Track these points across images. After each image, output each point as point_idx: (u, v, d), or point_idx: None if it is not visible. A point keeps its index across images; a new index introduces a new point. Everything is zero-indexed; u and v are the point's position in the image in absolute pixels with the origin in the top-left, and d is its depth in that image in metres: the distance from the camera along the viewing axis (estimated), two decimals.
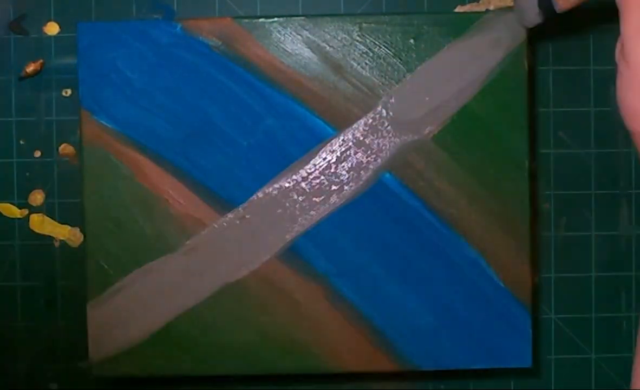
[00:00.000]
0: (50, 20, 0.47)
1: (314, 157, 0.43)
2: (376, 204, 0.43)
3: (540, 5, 0.36)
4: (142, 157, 0.43)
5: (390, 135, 0.43)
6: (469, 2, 0.46)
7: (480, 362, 0.43)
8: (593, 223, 0.47)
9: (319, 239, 0.43)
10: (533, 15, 0.37)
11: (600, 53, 0.47)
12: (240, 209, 0.43)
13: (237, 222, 0.43)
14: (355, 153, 0.43)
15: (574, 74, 0.47)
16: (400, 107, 0.43)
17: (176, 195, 0.43)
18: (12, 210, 0.47)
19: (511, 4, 0.45)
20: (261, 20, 0.43)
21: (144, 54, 0.43)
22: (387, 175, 0.43)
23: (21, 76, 0.46)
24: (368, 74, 0.43)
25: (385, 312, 0.43)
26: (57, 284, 0.47)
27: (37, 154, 0.47)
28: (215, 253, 0.43)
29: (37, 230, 0.47)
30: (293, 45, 0.43)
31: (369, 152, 0.43)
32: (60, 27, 0.47)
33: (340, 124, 0.43)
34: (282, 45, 0.43)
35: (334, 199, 0.43)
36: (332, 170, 0.43)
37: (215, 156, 0.43)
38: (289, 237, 0.43)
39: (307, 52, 0.43)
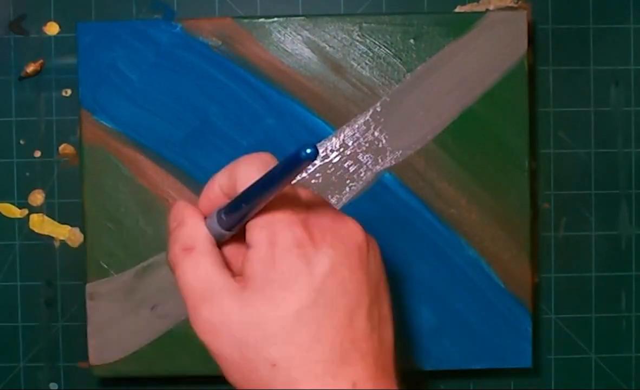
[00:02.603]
0: (50, 20, 0.46)
1: None
2: (376, 204, 0.43)
3: (220, 225, 0.33)
4: (142, 157, 0.43)
5: (391, 135, 0.43)
6: (469, 2, 0.46)
7: (480, 362, 0.43)
8: (593, 223, 0.47)
9: None
10: (219, 234, 0.33)
11: (600, 53, 0.47)
12: None
13: None
14: (356, 153, 0.43)
15: (574, 74, 0.47)
16: (400, 107, 0.43)
17: (176, 195, 0.43)
18: (12, 210, 0.47)
19: (511, 4, 0.45)
20: (261, 20, 0.43)
21: (144, 54, 0.43)
22: (387, 175, 0.43)
23: (21, 76, 0.46)
24: (368, 74, 0.43)
25: None
26: (57, 284, 0.47)
27: (37, 154, 0.47)
28: None
29: (37, 230, 0.47)
30: (293, 45, 0.43)
31: (369, 152, 0.43)
32: (60, 27, 0.46)
33: (340, 124, 0.43)
34: (282, 45, 0.43)
35: (334, 199, 0.43)
36: (332, 170, 0.43)
37: (215, 156, 0.43)
38: None
39: (307, 52, 0.43)
